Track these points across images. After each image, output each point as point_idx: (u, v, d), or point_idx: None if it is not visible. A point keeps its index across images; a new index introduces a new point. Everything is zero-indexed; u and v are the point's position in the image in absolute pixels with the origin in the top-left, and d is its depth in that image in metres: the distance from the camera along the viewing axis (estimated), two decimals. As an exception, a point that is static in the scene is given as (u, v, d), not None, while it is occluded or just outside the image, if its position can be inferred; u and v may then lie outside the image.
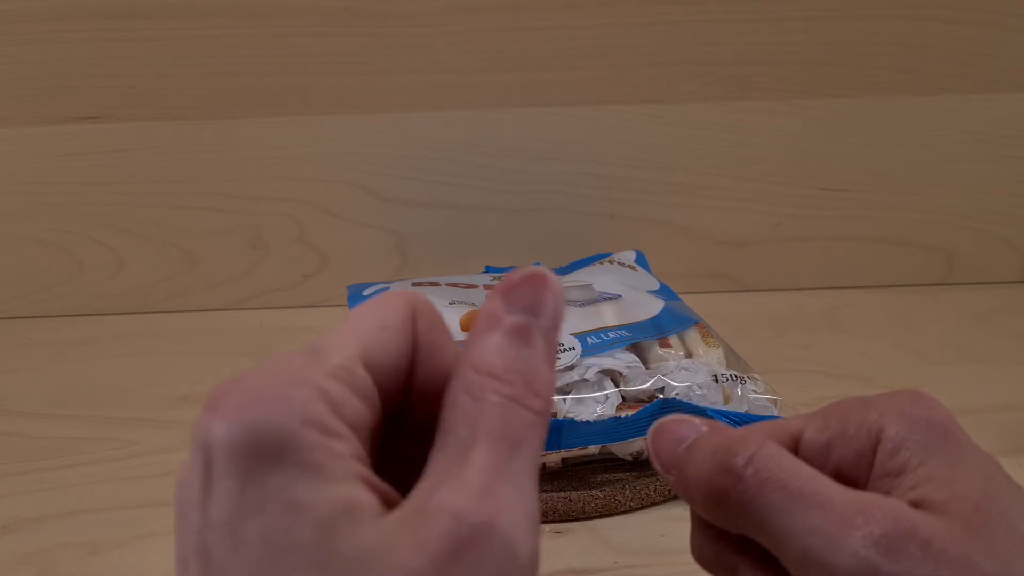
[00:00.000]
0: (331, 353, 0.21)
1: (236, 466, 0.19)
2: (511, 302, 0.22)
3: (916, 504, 0.23)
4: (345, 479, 0.20)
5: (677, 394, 0.45)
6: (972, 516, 0.23)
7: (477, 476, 0.20)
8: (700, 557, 0.27)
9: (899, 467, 0.24)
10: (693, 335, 0.51)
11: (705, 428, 0.27)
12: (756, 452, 0.24)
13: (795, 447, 0.26)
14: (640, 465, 0.46)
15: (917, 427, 0.25)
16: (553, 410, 0.44)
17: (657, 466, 0.27)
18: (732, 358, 0.50)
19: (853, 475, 0.25)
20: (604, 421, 0.44)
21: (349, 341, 0.21)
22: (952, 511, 0.23)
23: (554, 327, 0.22)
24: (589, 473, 0.45)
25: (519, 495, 0.20)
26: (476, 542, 0.19)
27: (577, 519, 0.44)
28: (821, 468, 0.25)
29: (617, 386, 0.46)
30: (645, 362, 0.49)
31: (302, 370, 0.20)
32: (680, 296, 0.58)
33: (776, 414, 0.46)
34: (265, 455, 0.19)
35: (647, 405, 0.44)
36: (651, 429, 0.28)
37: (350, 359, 0.21)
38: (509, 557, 0.19)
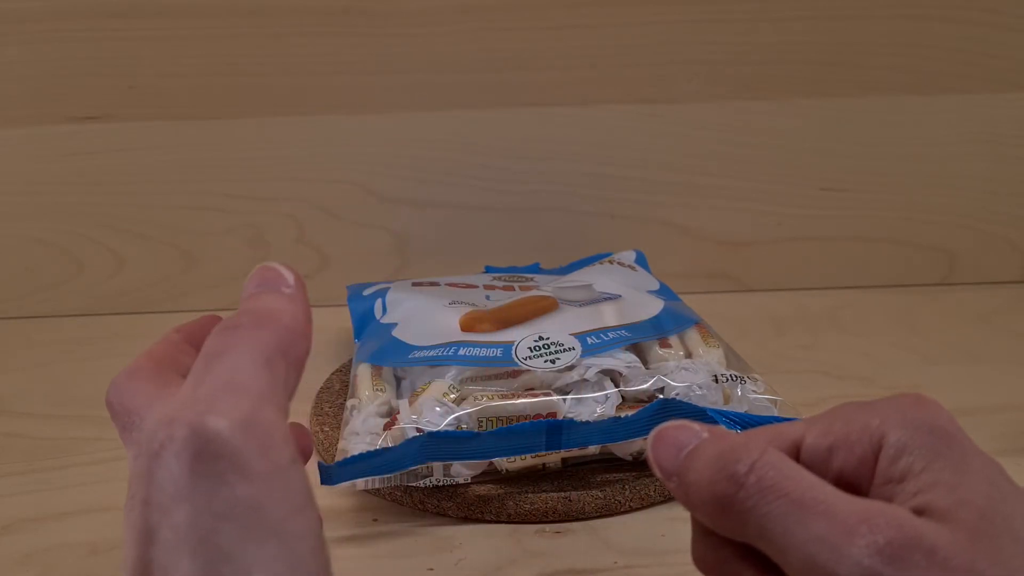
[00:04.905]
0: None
1: None
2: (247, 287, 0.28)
3: (919, 511, 0.23)
4: None
5: (677, 394, 0.45)
6: (976, 523, 0.22)
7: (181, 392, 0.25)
8: (702, 564, 0.27)
9: (902, 473, 0.24)
10: (693, 335, 0.51)
11: (706, 434, 0.26)
12: (758, 459, 0.24)
13: (796, 453, 0.26)
14: (640, 465, 0.46)
15: (919, 432, 0.24)
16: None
17: (658, 473, 0.27)
18: (732, 358, 0.50)
19: (855, 481, 0.25)
20: (604, 421, 0.43)
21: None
22: (956, 518, 0.23)
23: (283, 286, 0.27)
24: (589, 473, 0.45)
25: (215, 390, 0.24)
26: (168, 443, 0.23)
27: (577, 519, 0.44)
28: (823, 474, 0.25)
29: (617, 386, 0.46)
30: (645, 362, 0.49)
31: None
32: (680, 296, 0.57)
33: (776, 414, 0.46)
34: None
35: (647, 405, 0.44)
36: (651, 435, 0.27)
37: None
38: (200, 437, 0.22)
